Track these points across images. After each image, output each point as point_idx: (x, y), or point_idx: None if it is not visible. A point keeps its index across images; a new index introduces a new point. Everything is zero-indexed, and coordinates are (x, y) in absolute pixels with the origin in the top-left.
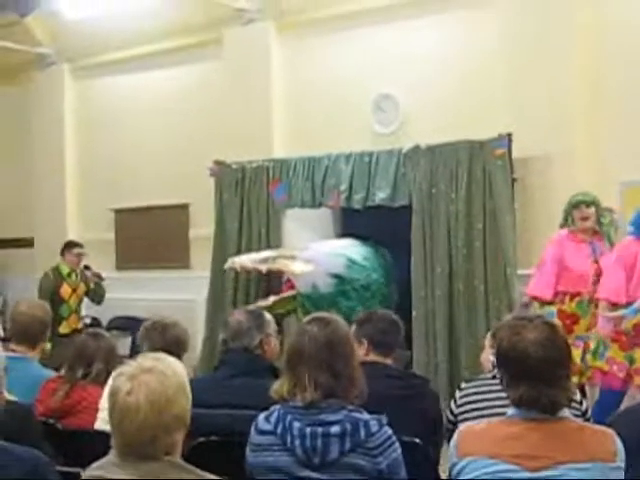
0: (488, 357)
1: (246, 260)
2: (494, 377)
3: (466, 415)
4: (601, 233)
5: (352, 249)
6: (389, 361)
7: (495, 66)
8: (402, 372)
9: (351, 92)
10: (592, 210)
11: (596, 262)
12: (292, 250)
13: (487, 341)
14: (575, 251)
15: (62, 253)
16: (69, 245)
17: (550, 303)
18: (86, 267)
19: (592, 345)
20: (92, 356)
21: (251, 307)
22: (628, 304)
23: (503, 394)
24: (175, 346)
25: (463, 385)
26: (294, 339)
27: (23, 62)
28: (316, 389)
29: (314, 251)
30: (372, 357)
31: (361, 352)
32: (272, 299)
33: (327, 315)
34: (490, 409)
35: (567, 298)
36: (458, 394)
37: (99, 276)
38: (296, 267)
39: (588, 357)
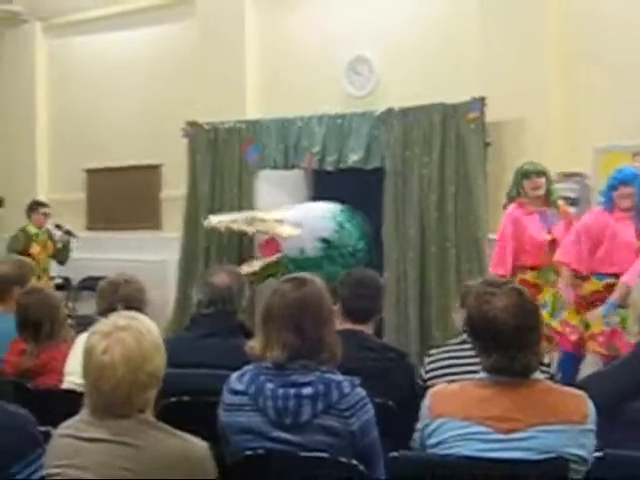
0: (458, 316)
1: (230, 221)
2: (463, 342)
3: (435, 381)
4: (550, 202)
5: (341, 214)
6: (364, 328)
7: (470, 29)
8: (377, 344)
9: (326, 54)
10: (543, 180)
11: (549, 232)
12: (278, 212)
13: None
14: (528, 223)
15: (28, 214)
16: (34, 205)
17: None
18: (57, 226)
19: (549, 302)
20: (37, 318)
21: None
22: (587, 276)
23: (472, 360)
24: (127, 303)
25: (432, 351)
26: (268, 297)
27: None
28: (283, 348)
29: (302, 214)
30: (346, 324)
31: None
32: (258, 264)
33: (305, 275)
34: (460, 375)
35: (527, 270)
36: (427, 360)
37: (70, 232)
38: (284, 230)
39: (544, 313)
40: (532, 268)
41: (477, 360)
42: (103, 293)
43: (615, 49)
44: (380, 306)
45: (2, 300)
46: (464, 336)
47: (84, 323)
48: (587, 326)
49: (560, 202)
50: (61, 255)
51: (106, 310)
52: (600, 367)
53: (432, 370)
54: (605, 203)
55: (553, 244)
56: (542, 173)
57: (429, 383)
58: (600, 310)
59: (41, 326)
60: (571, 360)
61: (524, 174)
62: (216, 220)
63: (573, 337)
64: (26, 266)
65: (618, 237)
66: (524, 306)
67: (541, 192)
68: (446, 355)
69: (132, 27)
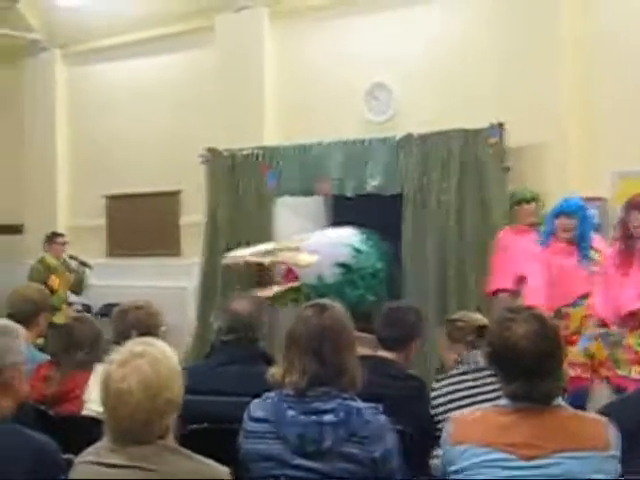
0: (449, 353)
1: (247, 254)
2: (463, 373)
3: (441, 417)
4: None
5: (356, 238)
6: (392, 356)
7: (488, 55)
8: (401, 372)
9: (344, 80)
10: (533, 206)
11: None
12: (295, 241)
13: (441, 335)
14: (521, 241)
15: (45, 245)
16: (52, 236)
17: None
18: (72, 257)
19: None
20: (80, 342)
21: (251, 295)
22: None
23: (476, 390)
24: (139, 329)
25: (435, 385)
26: (291, 323)
27: (15, 48)
28: (303, 375)
29: (317, 242)
30: (378, 351)
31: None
32: (275, 289)
33: (326, 302)
34: (464, 407)
35: None
36: (432, 394)
37: (85, 263)
38: (301, 259)
39: None
40: None
41: (478, 390)
42: (115, 319)
43: (634, 73)
44: (410, 335)
45: (29, 328)
46: (465, 367)
47: None
48: (592, 356)
49: None
50: (77, 286)
51: (119, 336)
52: (610, 395)
53: (438, 406)
54: (544, 234)
55: None
56: (532, 200)
57: (436, 419)
58: (578, 348)
59: (80, 349)
60: (582, 394)
61: (516, 202)
62: (234, 256)
63: (587, 375)
64: (46, 292)
65: (567, 269)
66: (545, 332)
67: (532, 219)
68: (449, 389)
69: (151, 54)
